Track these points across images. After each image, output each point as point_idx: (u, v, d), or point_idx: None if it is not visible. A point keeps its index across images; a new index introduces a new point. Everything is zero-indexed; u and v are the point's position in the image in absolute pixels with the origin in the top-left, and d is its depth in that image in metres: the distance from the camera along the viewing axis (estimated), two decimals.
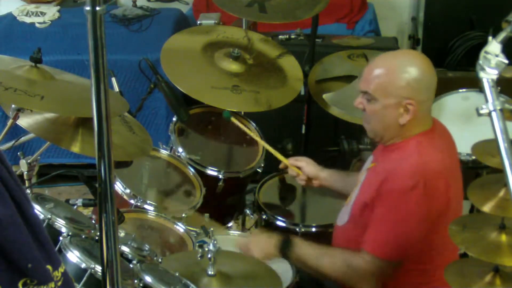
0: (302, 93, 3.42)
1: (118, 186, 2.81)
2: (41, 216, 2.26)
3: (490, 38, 1.67)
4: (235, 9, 3.35)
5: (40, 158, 2.71)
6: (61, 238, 2.20)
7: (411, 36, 4.89)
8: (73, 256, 2.13)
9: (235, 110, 3.25)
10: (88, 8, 1.34)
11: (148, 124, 4.21)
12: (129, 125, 2.69)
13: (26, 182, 2.64)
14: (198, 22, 3.78)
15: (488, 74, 1.61)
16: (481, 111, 1.58)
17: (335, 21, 4.72)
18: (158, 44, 3.35)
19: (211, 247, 2.30)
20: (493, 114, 1.56)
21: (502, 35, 1.67)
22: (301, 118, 3.63)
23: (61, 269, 1.44)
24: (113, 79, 3.22)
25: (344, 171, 2.92)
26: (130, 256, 2.26)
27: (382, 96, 2.33)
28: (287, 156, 3.01)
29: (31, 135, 2.67)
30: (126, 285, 2.09)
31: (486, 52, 1.63)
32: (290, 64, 3.36)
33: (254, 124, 3.30)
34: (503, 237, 1.70)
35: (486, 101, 1.58)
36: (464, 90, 3.41)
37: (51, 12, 4.56)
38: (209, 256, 2.30)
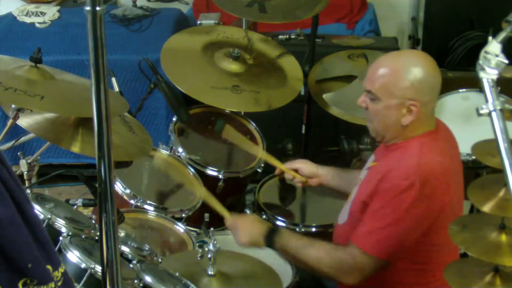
0: (302, 93, 3.41)
1: (118, 186, 2.81)
2: (41, 216, 2.27)
3: (490, 38, 1.66)
4: (235, 9, 3.35)
5: (40, 158, 2.71)
6: (61, 238, 2.20)
7: (411, 36, 4.90)
8: (73, 256, 2.14)
9: (235, 110, 3.26)
10: (88, 8, 1.34)
11: (148, 124, 4.21)
12: (129, 125, 2.68)
13: (26, 182, 2.64)
14: (198, 22, 3.78)
15: (488, 74, 1.61)
16: (481, 111, 1.58)
17: (335, 21, 4.72)
18: (158, 44, 3.35)
19: (211, 247, 2.31)
20: (493, 114, 1.56)
21: (502, 35, 1.67)
22: (301, 118, 3.63)
23: (61, 269, 1.44)
24: (113, 79, 3.22)
25: (342, 168, 2.92)
26: (130, 256, 2.26)
27: (385, 96, 2.32)
28: (287, 156, 3.01)
29: (31, 135, 2.67)
30: (126, 285, 2.10)
31: (486, 52, 1.63)
32: (290, 64, 3.36)
33: (254, 124, 3.30)
34: (503, 237, 1.70)
35: (486, 101, 1.58)
36: (464, 90, 3.42)
37: (51, 12, 4.56)
38: (209, 256, 2.31)
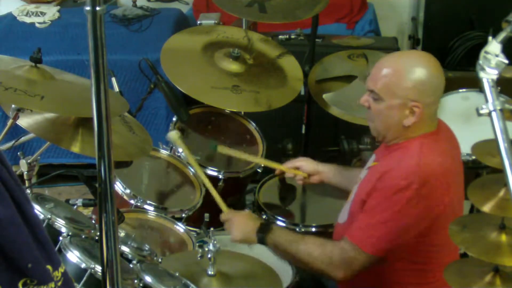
0: (302, 93, 3.42)
1: (118, 186, 2.81)
2: (41, 216, 2.27)
3: (490, 38, 1.66)
4: (235, 9, 3.35)
5: (40, 158, 2.71)
6: (61, 238, 2.20)
7: (411, 36, 4.90)
8: (73, 256, 2.14)
9: (235, 110, 3.26)
10: (88, 8, 1.34)
11: (148, 124, 4.21)
12: (129, 125, 2.69)
13: (26, 182, 2.64)
14: (198, 22, 3.78)
15: (488, 74, 1.61)
16: (481, 111, 1.58)
17: (335, 21, 4.72)
18: (158, 44, 3.35)
19: (211, 247, 2.31)
20: (493, 114, 1.56)
21: (502, 35, 1.67)
22: (301, 118, 3.63)
23: (61, 269, 1.44)
24: (113, 79, 3.22)
25: (343, 166, 2.92)
26: (130, 256, 2.26)
27: (388, 96, 2.32)
28: (287, 156, 3.01)
29: (31, 135, 2.67)
30: (126, 285, 2.10)
31: (486, 52, 1.63)
32: (290, 64, 3.36)
33: (254, 124, 3.30)
34: (503, 237, 1.70)
35: (486, 101, 1.58)
36: (464, 90, 3.42)
37: (51, 12, 4.56)
38: (209, 256, 2.31)
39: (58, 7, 4.65)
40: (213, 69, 3.19)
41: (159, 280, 2.13)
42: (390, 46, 4.08)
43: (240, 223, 2.57)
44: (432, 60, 2.34)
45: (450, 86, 3.32)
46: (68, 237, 2.21)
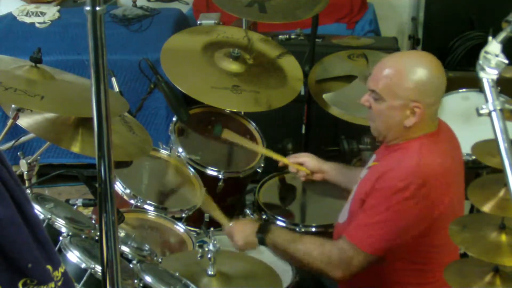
0: (302, 93, 3.42)
1: (118, 186, 2.81)
2: (41, 216, 2.27)
3: (490, 38, 1.66)
4: (235, 9, 3.35)
5: (40, 158, 2.71)
6: (61, 238, 2.20)
7: (411, 36, 4.90)
8: (73, 256, 2.14)
9: (235, 110, 3.25)
10: (88, 8, 1.34)
11: (148, 124, 4.21)
12: (129, 125, 2.68)
13: (26, 182, 2.64)
14: (198, 22, 3.78)
15: (488, 74, 1.61)
16: (481, 111, 1.58)
17: (335, 21, 4.72)
18: (158, 44, 3.35)
19: (211, 247, 2.31)
20: (493, 114, 1.56)
21: (502, 35, 1.67)
22: (301, 118, 3.63)
23: (61, 269, 1.44)
24: (113, 79, 3.22)
25: (346, 165, 2.93)
26: (130, 256, 2.26)
27: (389, 97, 2.32)
28: (287, 156, 3.00)
29: (31, 135, 2.67)
30: (126, 285, 2.10)
31: (486, 52, 1.63)
32: (290, 64, 3.36)
33: (254, 124, 3.30)
34: (503, 237, 1.70)
35: (486, 101, 1.58)
36: (464, 90, 3.42)
37: (51, 12, 4.56)
38: (209, 256, 2.31)
39: (58, 7, 4.65)
40: (213, 69, 3.19)
41: (159, 280, 2.13)
42: (390, 46, 4.08)
43: (239, 229, 2.58)
44: (434, 61, 2.34)
45: (450, 86, 3.31)
46: (68, 237, 2.21)
